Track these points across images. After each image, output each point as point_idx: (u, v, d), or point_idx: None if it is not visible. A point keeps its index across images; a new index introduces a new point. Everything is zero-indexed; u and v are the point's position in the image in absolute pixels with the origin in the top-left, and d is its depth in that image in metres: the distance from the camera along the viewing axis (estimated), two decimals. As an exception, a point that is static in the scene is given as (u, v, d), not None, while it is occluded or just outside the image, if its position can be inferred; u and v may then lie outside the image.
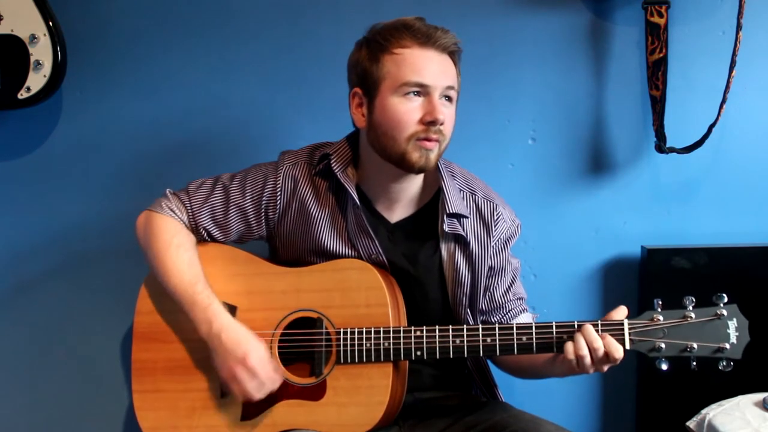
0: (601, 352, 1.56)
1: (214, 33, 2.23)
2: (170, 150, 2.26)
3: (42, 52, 2.10)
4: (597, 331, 1.58)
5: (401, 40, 1.67)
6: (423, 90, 1.66)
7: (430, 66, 1.66)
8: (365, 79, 1.70)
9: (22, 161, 2.28)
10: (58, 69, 2.12)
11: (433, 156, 1.68)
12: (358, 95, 1.73)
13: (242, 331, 1.68)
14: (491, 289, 1.83)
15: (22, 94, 2.11)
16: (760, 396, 1.79)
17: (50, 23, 2.10)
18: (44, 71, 2.11)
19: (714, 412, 1.76)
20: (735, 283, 2.07)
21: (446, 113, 1.68)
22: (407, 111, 1.66)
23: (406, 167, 1.69)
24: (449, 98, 1.70)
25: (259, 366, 1.65)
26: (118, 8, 2.24)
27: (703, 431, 1.73)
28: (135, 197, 1.97)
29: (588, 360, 1.57)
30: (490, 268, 1.82)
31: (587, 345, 1.57)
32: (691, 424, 1.78)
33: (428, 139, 1.66)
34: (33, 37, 2.10)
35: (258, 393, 1.66)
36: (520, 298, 1.87)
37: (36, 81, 2.11)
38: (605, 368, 1.60)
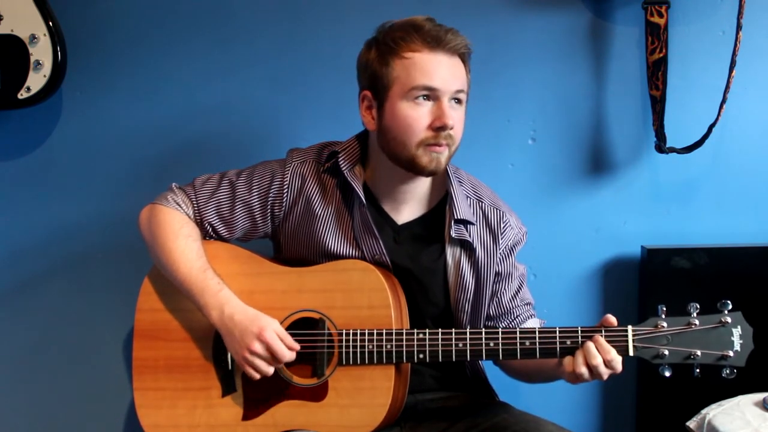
0: (601, 368, 1.55)
1: (215, 33, 2.23)
2: (170, 150, 2.26)
3: (42, 52, 2.10)
4: (600, 343, 1.57)
5: (411, 43, 1.66)
6: (432, 94, 1.66)
7: (439, 70, 1.66)
8: (375, 82, 1.70)
9: (22, 161, 2.28)
10: (58, 69, 2.11)
11: (443, 159, 1.69)
12: (368, 98, 1.72)
13: (254, 312, 1.69)
14: (498, 295, 1.83)
15: (22, 94, 2.11)
16: (760, 396, 1.79)
17: (50, 23, 2.09)
18: (44, 71, 2.10)
19: (714, 412, 1.76)
20: (735, 283, 2.08)
21: (455, 117, 1.68)
22: (417, 117, 1.66)
23: (417, 171, 1.69)
24: (458, 101, 1.70)
25: (275, 340, 1.65)
26: (118, 8, 2.23)
27: (703, 431, 1.73)
28: (135, 197, 1.97)
29: (587, 376, 1.57)
30: (497, 273, 1.81)
31: (586, 363, 1.56)
32: (691, 424, 1.78)
33: (438, 145, 1.67)
34: (33, 37, 2.09)
35: (279, 364, 1.67)
36: (527, 304, 1.87)
37: (36, 81, 2.10)
38: (605, 377, 1.58)
